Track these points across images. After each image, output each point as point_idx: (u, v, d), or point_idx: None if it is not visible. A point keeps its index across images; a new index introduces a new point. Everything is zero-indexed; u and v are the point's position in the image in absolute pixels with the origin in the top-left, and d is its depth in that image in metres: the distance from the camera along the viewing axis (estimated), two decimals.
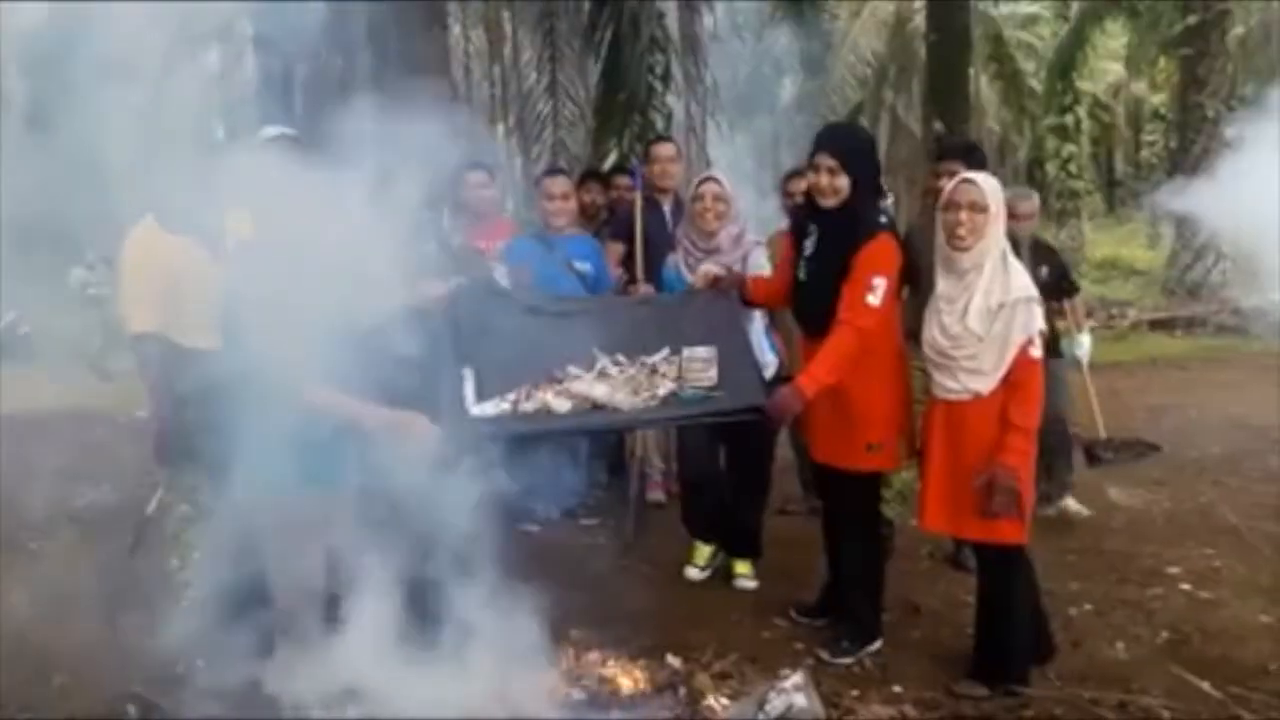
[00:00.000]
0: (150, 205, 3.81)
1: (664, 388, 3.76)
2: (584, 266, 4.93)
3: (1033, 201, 5.41)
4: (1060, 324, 5.44)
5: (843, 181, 3.73)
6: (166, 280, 3.69)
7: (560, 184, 5.14)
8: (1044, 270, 5.11)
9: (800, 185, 5.07)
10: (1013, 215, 4.91)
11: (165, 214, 3.77)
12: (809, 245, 3.87)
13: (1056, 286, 5.32)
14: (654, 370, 3.84)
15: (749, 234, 4.58)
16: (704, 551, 4.79)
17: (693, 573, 4.78)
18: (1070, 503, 5.50)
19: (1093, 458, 5.47)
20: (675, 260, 4.61)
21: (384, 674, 3.20)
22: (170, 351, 3.70)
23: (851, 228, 3.72)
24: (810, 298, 3.86)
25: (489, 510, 3.27)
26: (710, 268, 4.20)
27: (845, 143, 3.90)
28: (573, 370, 3.82)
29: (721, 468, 4.68)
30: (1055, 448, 5.22)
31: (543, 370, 3.82)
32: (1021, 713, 3.54)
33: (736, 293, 4.14)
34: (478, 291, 4.00)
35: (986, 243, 3.50)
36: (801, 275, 3.90)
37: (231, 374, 3.03)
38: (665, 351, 3.91)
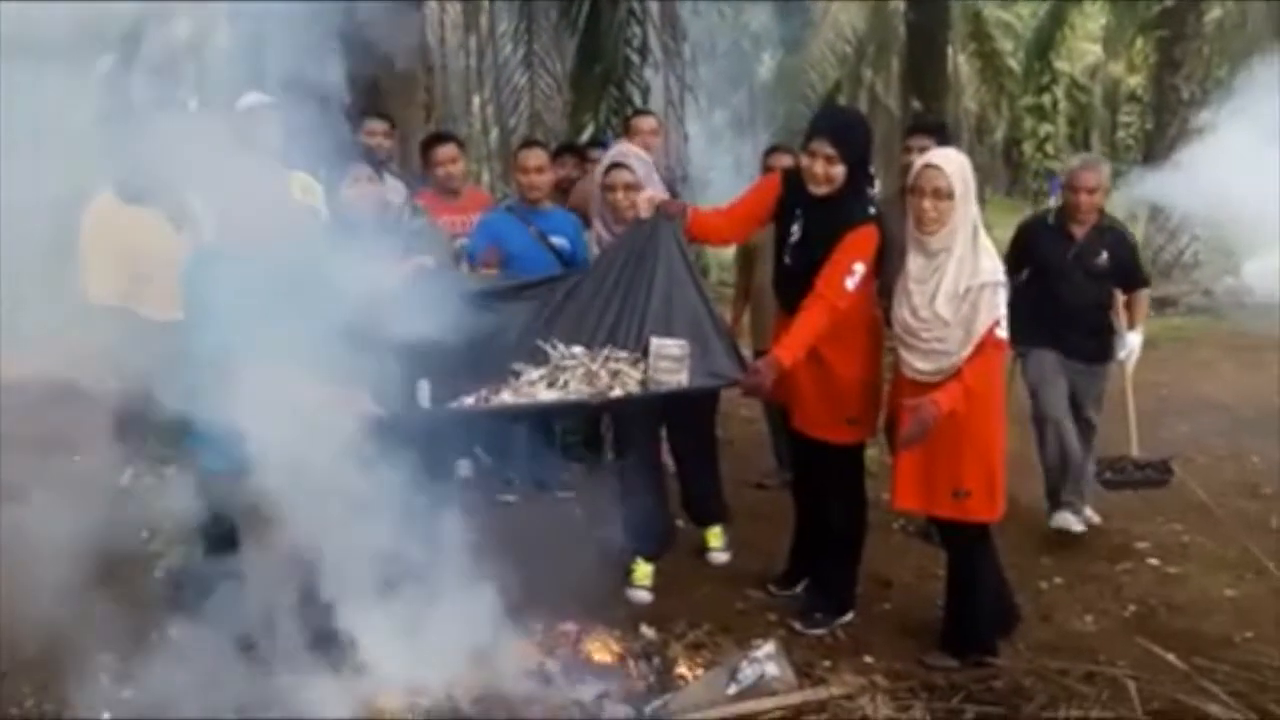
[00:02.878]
0: (110, 178, 3.76)
1: (621, 390, 3.66)
2: (560, 241, 4.82)
3: (1097, 172, 4.78)
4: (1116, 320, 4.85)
5: (838, 170, 3.66)
6: (127, 253, 3.65)
7: (536, 156, 5.01)
8: (1104, 255, 4.75)
9: (782, 160, 5.04)
10: (1072, 188, 4.77)
11: (125, 187, 3.72)
12: (795, 230, 3.82)
13: (1118, 275, 4.82)
14: (616, 373, 3.71)
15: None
16: (644, 569, 4.40)
17: (639, 595, 4.34)
18: (1059, 516, 4.84)
19: (1104, 481, 4.90)
20: (589, 238, 4.43)
21: (356, 645, 3.21)
22: (132, 324, 3.65)
23: (839, 219, 3.68)
24: (794, 282, 3.80)
25: (464, 481, 3.27)
26: (653, 193, 4.00)
27: (844, 130, 3.76)
28: (527, 375, 3.72)
29: (661, 444, 4.61)
30: (1057, 464, 4.83)
31: (498, 370, 3.73)
32: (991, 683, 3.57)
33: (681, 220, 3.91)
34: (433, 284, 3.78)
35: (954, 224, 3.50)
36: (787, 259, 3.87)
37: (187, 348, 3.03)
38: (636, 354, 3.76)
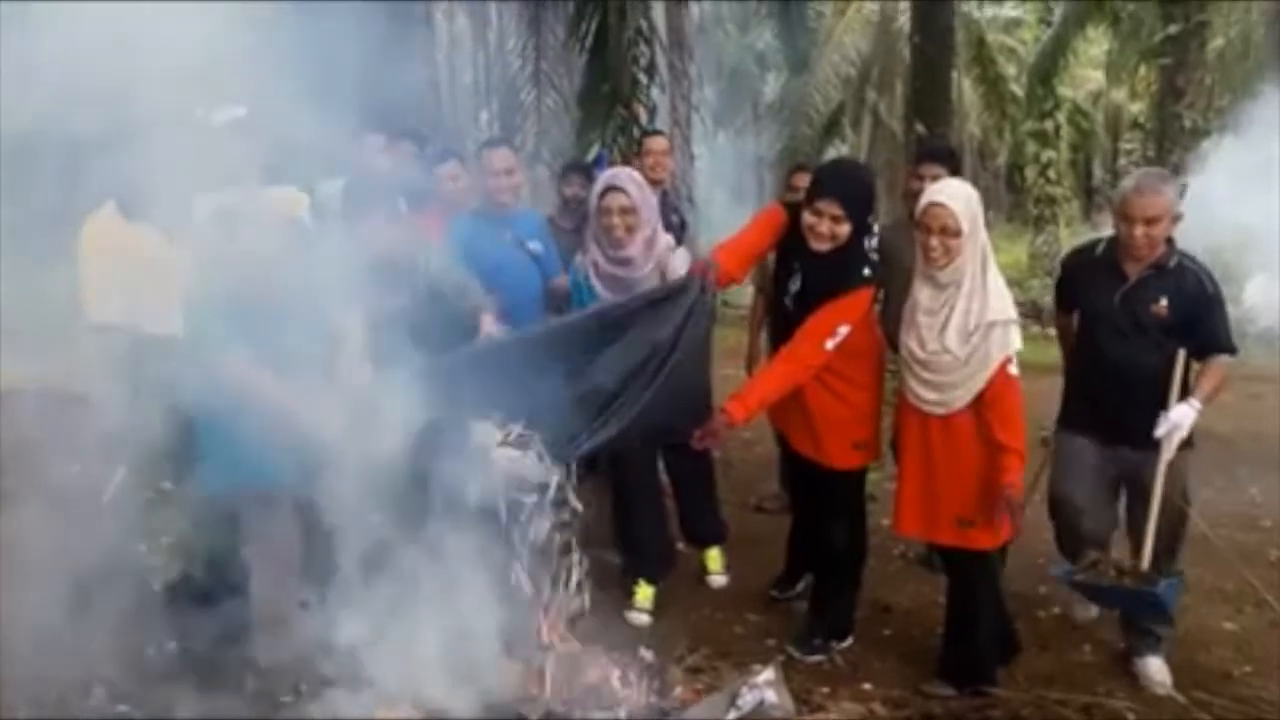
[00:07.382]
0: (111, 192, 3.73)
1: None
2: (536, 246, 4.70)
3: (1161, 196, 3.55)
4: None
5: (844, 229, 3.63)
6: (128, 268, 3.61)
7: (503, 157, 4.73)
8: (1162, 301, 3.61)
9: (805, 181, 5.00)
10: (1126, 217, 3.60)
11: (127, 201, 3.70)
12: (794, 285, 3.81)
13: (1183, 331, 3.61)
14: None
15: (660, 237, 4.16)
16: (646, 591, 4.42)
17: (639, 617, 4.35)
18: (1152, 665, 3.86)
19: (1074, 583, 3.79)
20: (583, 263, 4.22)
21: (357, 661, 3.20)
22: (131, 340, 3.62)
23: (837, 280, 3.67)
24: (793, 330, 3.77)
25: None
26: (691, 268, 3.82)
27: (853, 190, 3.69)
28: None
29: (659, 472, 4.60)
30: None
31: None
32: (989, 713, 3.58)
33: (713, 281, 3.70)
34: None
35: (963, 259, 3.49)
36: (788, 304, 3.86)
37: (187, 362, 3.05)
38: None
